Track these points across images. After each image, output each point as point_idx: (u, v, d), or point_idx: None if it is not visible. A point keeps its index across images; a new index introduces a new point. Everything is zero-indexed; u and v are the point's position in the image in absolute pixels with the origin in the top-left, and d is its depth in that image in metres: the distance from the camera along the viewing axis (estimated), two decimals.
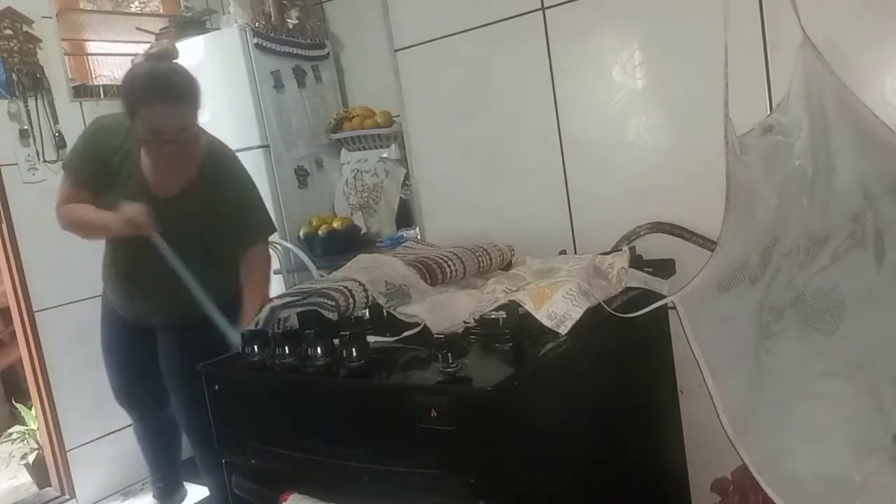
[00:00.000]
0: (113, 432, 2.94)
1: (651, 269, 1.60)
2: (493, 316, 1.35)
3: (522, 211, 1.91)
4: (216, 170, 2.09)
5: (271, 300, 1.49)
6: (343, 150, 3.14)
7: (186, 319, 2.07)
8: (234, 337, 1.89)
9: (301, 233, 2.91)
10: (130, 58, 3.22)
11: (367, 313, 1.46)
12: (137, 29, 3.42)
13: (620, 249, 1.65)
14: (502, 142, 1.92)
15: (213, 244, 2.08)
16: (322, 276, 2.17)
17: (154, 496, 2.66)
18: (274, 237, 2.79)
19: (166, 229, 1.99)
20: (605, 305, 1.34)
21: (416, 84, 2.05)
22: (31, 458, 3.08)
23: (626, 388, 1.50)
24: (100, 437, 2.95)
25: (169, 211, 2.01)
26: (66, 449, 2.92)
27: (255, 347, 1.38)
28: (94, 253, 2.26)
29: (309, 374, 1.29)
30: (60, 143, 2.91)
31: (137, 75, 1.94)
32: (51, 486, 3.03)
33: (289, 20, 3.07)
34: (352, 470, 1.26)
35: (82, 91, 3.15)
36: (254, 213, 2.15)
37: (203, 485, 2.63)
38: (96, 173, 2.06)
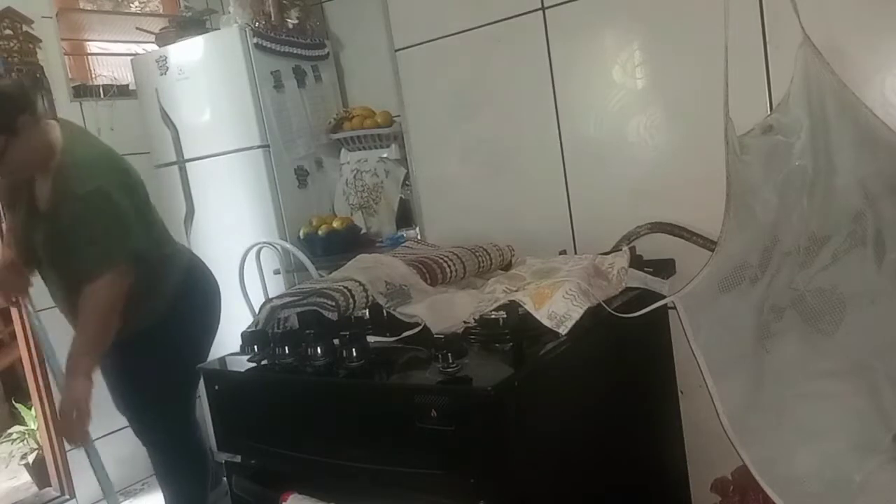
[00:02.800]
0: (113, 432, 2.93)
1: (651, 269, 1.60)
2: (493, 316, 1.35)
3: (522, 211, 1.91)
4: (61, 193, 1.85)
5: (271, 300, 1.49)
6: (343, 150, 3.14)
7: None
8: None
9: (301, 233, 2.90)
10: (130, 58, 3.24)
11: (367, 313, 1.46)
12: (137, 29, 3.42)
13: (620, 249, 1.65)
14: (502, 142, 1.92)
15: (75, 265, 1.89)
16: (322, 276, 2.17)
17: None
18: (274, 237, 2.79)
19: (44, 241, 1.93)
20: (605, 305, 1.34)
21: (416, 84, 2.05)
22: (30, 458, 3.08)
23: (626, 388, 1.50)
24: (100, 437, 2.94)
25: (42, 223, 1.93)
26: (66, 449, 2.92)
27: (255, 347, 1.38)
28: None
29: (309, 374, 1.29)
30: None
31: None
32: (51, 486, 3.03)
33: (289, 20, 3.07)
34: (352, 470, 1.26)
35: (82, 91, 3.15)
36: (84, 250, 1.85)
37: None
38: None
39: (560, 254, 1.75)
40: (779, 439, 1.29)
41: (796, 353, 1.35)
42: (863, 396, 1.36)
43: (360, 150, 3.09)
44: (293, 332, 1.41)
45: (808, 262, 1.35)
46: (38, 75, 2.89)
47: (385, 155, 3.03)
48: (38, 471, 3.06)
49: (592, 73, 1.76)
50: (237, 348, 1.45)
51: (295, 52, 3.04)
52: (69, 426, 1.91)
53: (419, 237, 2.14)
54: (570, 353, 1.25)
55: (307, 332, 1.34)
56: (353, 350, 1.25)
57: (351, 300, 1.38)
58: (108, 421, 2.88)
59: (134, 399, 2.11)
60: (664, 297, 1.39)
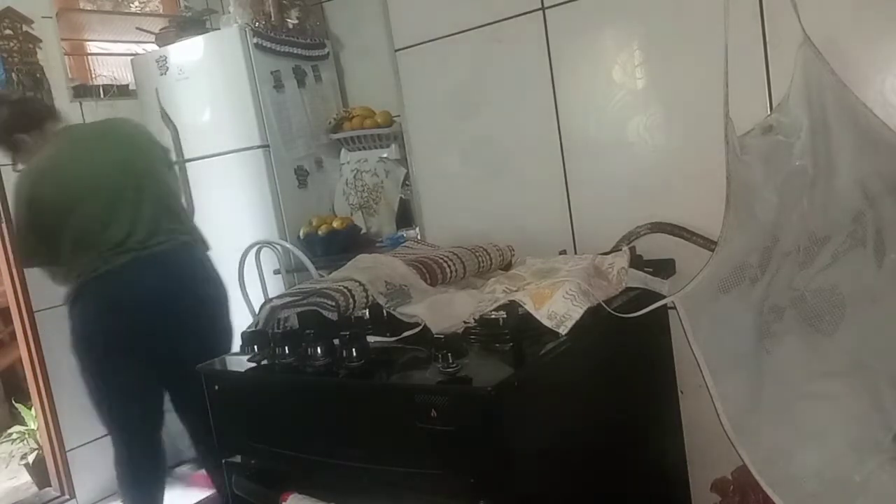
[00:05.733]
0: None
1: (651, 269, 1.60)
2: (493, 316, 1.35)
3: (522, 211, 1.91)
4: None
5: (271, 300, 1.49)
6: (343, 150, 3.14)
7: None
8: None
9: (301, 233, 2.90)
10: (130, 58, 3.24)
11: (367, 313, 1.46)
12: (137, 29, 3.43)
13: (620, 249, 1.65)
14: (502, 142, 1.92)
15: None
16: (322, 276, 2.17)
17: None
18: (274, 237, 2.79)
19: None
20: (605, 305, 1.34)
21: (416, 84, 2.05)
22: (31, 458, 3.08)
23: (627, 388, 1.50)
24: (100, 437, 2.94)
25: None
26: (66, 449, 2.92)
27: (255, 347, 1.38)
28: None
29: (309, 374, 1.29)
30: None
31: None
32: (51, 486, 3.04)
33: (289, 20, 3.07)
34: (352, 470, 1.26)
35: (82, 91, 3.16)
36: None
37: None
38: None
39: (560, 254, 1.75)
40: (779, 439, 1.29)
41: (796, 354, 1.35)
42: (863, 397, 1.36)
43: (360, 150, 3.09)
44: (293, 332, 1.41)
45: (808, 263, 1.35)
46: (38, 75, 2.90)
47: (385, 155, 3.03)
48: (38, 471, 3.07)
49: (592, 73, 1.76)
50: (237, 348, 1.45)
51: (295, 52, 3.04)
52: None
53: (419, 237, 2.14)
54: (570, 353, 1.25)
55: (307, 332, 1.34)
56: (353, 350, 1.24)
57: (351, 300, 1.38)
58: None
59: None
60: (664, 297, 1.39)
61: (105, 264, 2.12)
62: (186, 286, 2.23)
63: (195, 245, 2.31)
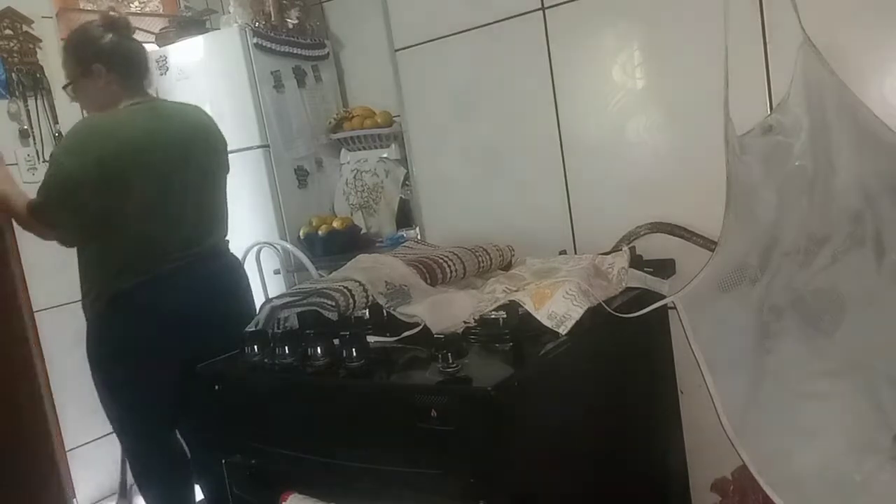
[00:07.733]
0: (113, 432, 2.93)
1: (651, 269, 1.60)
2: (493, 316, 1.35)
3: (522, 211, 1.91)
4: None
5: (271, 300, 1.49)
6: (343, 150, 3.14)
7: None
8: None
9: (301, 233, 2.90)
10: None
11: (367, 313, 1.46)
12: (137, 29, 3.42)
13: (620, 249, 1.65)
14: (502, 142, 1.92)
15: None
16: (322, 276, 2.17)
17: None
18: (273, 237, 2.79)
19: None
20: (605, 305, 1.35)
21: (416, 84, 2.05)
22: None
23: (626, 388, 1.51)
24: (100, 437, 2.95)
25: None
26: (66, 449, 2.92)
27: (255, 347, 1.38)
28: None
29: (309, 374, 1.29)
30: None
31: None
32: None
33: (289, 20, 3.07)
34: (352, 470, 1.26)
35: None
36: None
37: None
38: None
39: (560, 254, 1.76)
40: (779, 439, 1.29)
41: (796, 353, 1.35)
42: (862, 396, 1.36)
43: (360, 150, 3.09)
44: (293, 332, 1.41)
45: (808, 263, 1.35)
46: (37, 75, 2.90)
47: (385, 155, 3.03)
48: None
49: (592, 73, 1.76)
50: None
51: (295, 52, 3.04)
52: None
53: (419, 237, 2.14)
54: (570, 353, 1.25)
55: (307, 332, 1.34)
56: (353, 350, 1.25)
57: (351, 300, 1.38)
58: (108, 421, 2.88)
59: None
60: (664, 297, 1.40)
61: (168, 263, 1.90)
62: (230, 299, 2.06)
63: (235, 256, 2.17)
